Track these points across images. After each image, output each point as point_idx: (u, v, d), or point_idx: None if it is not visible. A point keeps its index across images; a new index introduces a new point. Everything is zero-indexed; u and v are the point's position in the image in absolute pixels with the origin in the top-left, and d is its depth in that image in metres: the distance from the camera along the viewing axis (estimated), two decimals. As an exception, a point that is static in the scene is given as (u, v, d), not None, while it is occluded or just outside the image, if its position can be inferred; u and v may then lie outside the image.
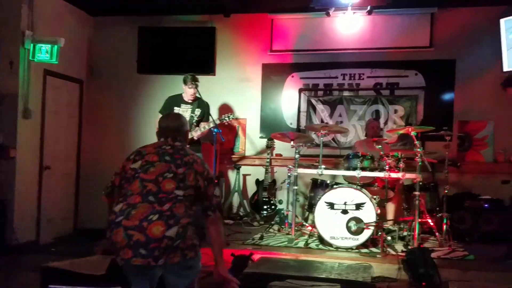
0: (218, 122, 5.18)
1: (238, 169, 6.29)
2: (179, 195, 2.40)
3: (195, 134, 5.10)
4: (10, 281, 4.28)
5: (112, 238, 2.33)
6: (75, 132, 6.37)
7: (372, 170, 4.75)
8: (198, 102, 5.29)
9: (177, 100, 5.32)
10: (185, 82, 5.20)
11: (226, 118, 5.21)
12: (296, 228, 4.94)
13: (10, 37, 5.24)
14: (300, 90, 6.39)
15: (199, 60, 6.50)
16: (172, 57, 6.52)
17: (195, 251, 2.42)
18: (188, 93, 5.24)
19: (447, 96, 5.97)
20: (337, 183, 5.22)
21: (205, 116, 5.30)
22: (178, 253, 2.33)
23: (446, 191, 4.93)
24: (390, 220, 5.15)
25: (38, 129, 5.60)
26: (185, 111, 5.23)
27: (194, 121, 5.20)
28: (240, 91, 6.50)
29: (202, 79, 5.66)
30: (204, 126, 5.15)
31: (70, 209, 6.25)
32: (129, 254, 2.28)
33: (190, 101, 5.27)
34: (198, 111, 5.24)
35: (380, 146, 4.83)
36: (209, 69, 6.47)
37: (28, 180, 5.42)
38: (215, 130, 5.16)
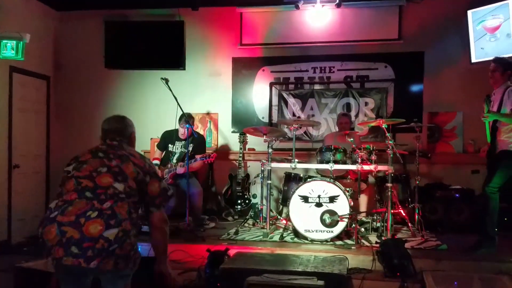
0: (199, 159, 5.14)
1: (211, 164, 6.23)
2: (120, 192, 2.24)
3: (179, 169, 5.14)
4: (-18, 283, 4.16)
5: (43, 235, 2.16)
6: (44, 130, 6.25)
7: (344, 163, 4.80)
8: (192, 137, 5.25)
9: (172, 136, 5.41)
10: (179, 121, 5.23)
11: (207, 158, 5.15)
12: (270, 222, 4.94)
13: (-27, 34, 5.06)
14: (271, 84, 6.39)
15: (168, 55, 6.40)
16: (140, 51, 6.39)
17: (127, 263, 2.21)
18: (180, 132, 5.32)
19: (416, 88, 6.06)
20: (310, 177, 5.26)
21: (198, 149, 5.33)
22: (112, 259, 2.13)
23: (417, 182, 5.03)
24: (363, 212, 5.23)
25: (6, 127, 5.50)
26: (178, 148, 5.37)
27: (182, 156, 5.22)
28: (210, 86, 6.45)
29: (173, 74, 5.57)
30: (196, 159, 5.15)
31: (41, 207, 6.10)
32: (60, 253, 2.10)
33: (183, 138, 5.29)
34: (190, 147, 5.21)
35: (352, 139, 4.88)
36: (178, 63, 6.38)
37: (-4, 179, 5.31)
38: (187, 126, 5.13)
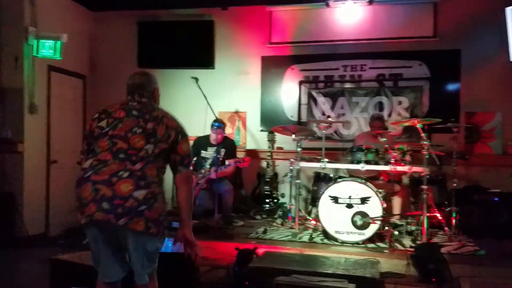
0: (233, 164, 5.21)
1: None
2: (150, 154, 2.30)
3: (212, 174, 5.14)
4: (20, 273, 4.34)
5: (79, 194, 2.26)
6: (80, 127, 6.39)
7: (376, 163, 4.67)
8: (224, 142, 5.41)
9: (204, 142, 5.48)
10: (211, 127, 5.34)
11: (241, 161, 5.23)
12: (299, 222, 4.89)
13: (14, 34, 5.29)
14: (300, 83, 6.32)
15: (199, 54, 6.45)
16: (172, 51, 6.47)
17: (159, 229, 2.26)
18: (211, 137, 5.38)
19: (453, 87, 5.87)
20: (340, 177, 5.16)
21: (230, 154, 5.38)
22: (142, 220, 2.19)
23: (454, 185, 4.85)
24: (396, 214, 5.09)
25: (44, 124, 5.67)
26: (210, 153, 5.45)
27: (215, 161, 5.21)
28: (239, 84, 6.44)
29: (202, 73, 5.61)
30: (229, 163, 5.20)
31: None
32: (93, 209, 2.19)
33: (215, 143, 5.36)
34: (223, 151, 5.30)
35: (384, 139, 4.76)
36: (208, 62, 6.41)
37: (36, 173, 5.50)
38: (216, 124, 5.14)
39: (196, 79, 4.90)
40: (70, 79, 6.21)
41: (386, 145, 4.69)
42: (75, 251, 3.62)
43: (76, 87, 6.37)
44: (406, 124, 4.92)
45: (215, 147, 5.37)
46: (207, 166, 5.39)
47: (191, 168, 2.47)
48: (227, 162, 5.24)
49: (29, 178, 5.34)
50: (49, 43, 5.30)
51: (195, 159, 5.52)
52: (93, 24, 6.70)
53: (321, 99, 6.24)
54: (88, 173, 2.27)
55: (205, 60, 6.41)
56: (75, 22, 6.29)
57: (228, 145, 5.48)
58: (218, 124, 5.34)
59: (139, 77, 2.60)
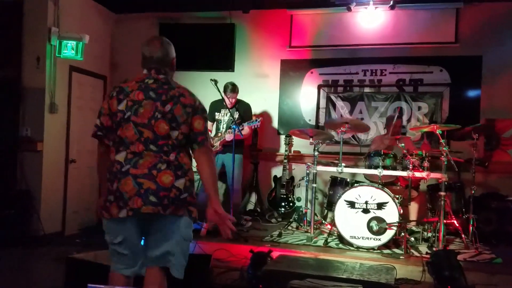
0: (246, 125, 5.23)
1: (256, 164, 6.25)
2: (178, 140, 2.30)
3: (228, 136, 5.15)
4: (36, 271, 4.40)
5: (120, 189, 2.24)
6: (99, 127, 6.48)
7: (394, 168, 4.63)
8: (238, 105, 5.40)
9: (218, 105, 5.44)
10: (225, 91, 5.27)
11: (255, 122, 5.22)
12: (315, 226, 4.87)
13: (37, 34, 5.35)
14: (319, 86, 6.31)
15: (219, 57, 6.50)
16: (192, 53, 6.51)
17: (196, 209, 2.37)
18: (227, 101, 5.33)
19: (473, 93, 5.79)
20: (357, 181, 5.13)
21: (245, 117, 5.37)
22: (185, 206, 2.30)
23: (472, 192, 4.79)
24: (413, 220, 5.04)
25: (64, 123, 5.75)
26: (224, 115, 5.40)
27: (230, 123, 5.24)
28: (258, 87, 6.45)
29: (221, 75, 5.63)
30: (244, 126, 5.21)
31: (94, 201, 6.32)
32: (139, 203, 2.22)
33: (230, 106, 5.36)
34: (237, 114, 5.31)
35: (403, 145, 4.72)
36: (228, 65, 6.45)
37: (54, 172, 5.55)
38: (234, 127, 5.16)
39: (216, 81, 4.93)
40: (90, 80, 6.29)
41: (404, 151, 4.65)
42: (91, 250, 3.67)
43: (96, 87, 6.45)
44: (425, 130, 4.87)
45: (229, 110, 5.32)
46: (223, 129, 5.38)
47: (209, 143, 2.41)
48: (242, 126, 5.20)
49: (47, 177, 5.38)
50: (71, 43, 5.36)
51: (214, 124, 5.51)
52: (115, 25, 6.80)
53: (340, 103, 6.22)
54: (126, 167, 2.27)
55: (225, 63, 6.46)
56: (97, 23, 6.38)
57: (243, 108, 5.43)
58: (233, 88, 5.28)
59: (157, 49, 2.49)
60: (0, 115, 5.24)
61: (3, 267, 4.28)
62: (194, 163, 2.44)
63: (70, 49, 5.38)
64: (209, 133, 5.46)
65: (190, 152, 2.42)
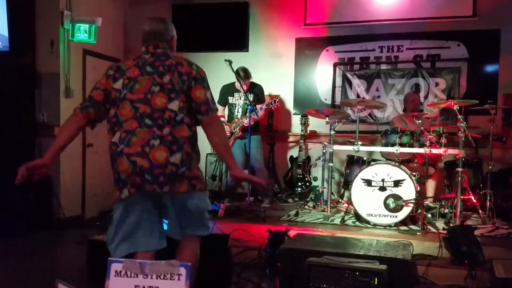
0: (265, 106, 5.24)
1: (272, 145, 6.26)
2: (175, 113, 2.23)
3: (245, 120, 5.16)
4: (59, 253, 4.55)
5: (117, 169, 2.25)
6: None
7: (411, 146, 4.59)
8: (251, 88, 5.38)
9: (230, 89, 5.44)
10: (237, 78, 5.22)
11: (273, 103, 5.23)
12: (331, 205, 4.88)
13: (50, 17, 5.35)
14: (335, 65, 6.24)
15: (232, 37, 6.46)
16: (206, 34, 6.50)
17: (201, 183, 2.33)
18: (241, 86, 5.28)
19: (491, 68, 5.66)
20: (374, 160, 5.11)
21: (259, 98, 5.37)
22: (185, 181, 2.24)
23: (490, 167, 4.74)
24: (430, 197, 5.01)
25: (80, 107, 5.78)
26: (238, 99, 5.39)
27: (246, 108, 5.23)
28: (273, 67, 6.41)
29: (236, 55, 5.60)
30: (261, 107, 5.21)
31: (112, 184, 6.42)
32: (139, 180, 2.21)
33: (245, 90, 5.34)
34: (251, 97, 5.29)
35: (420, 121, 4.66)
36: (242, 45, 6.42)
37: (72, 157, 5.59)
38: (249, 108, 5.16)
39: (230, 62, 4.90)
40: (104, 63, 6.22)
41: (422, 128, 4.60)
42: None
43: (110, 71, 6.50)
44: (443, 106, 4.79)
45: (242, 93, 5.31)
46: (238, 113, 5.40)
47: (214, 112, 2.35)
48: (258, 107, 5.20)
49: (65, 162, 5.41)
50: (84, 27, 5.35)
51: (225, 109, 5.53)
52: (128, 8, 6.77)
53: (356, 81, 6.15)
54: (120, 147, 2.25)
55: (239, 43, 6.42)
56: (109, 6, 6.35)
57: (256, 90, 5.43)
58: (245, 74, 5.26)
59: (156, 24, 2.44)
60: (16, 101, 5.28)
61: (31, 251, 4.42)
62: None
63: (83, 32, 5.37)
64: (223, 119, 5.47)
65: (195, 120, 2.34)
